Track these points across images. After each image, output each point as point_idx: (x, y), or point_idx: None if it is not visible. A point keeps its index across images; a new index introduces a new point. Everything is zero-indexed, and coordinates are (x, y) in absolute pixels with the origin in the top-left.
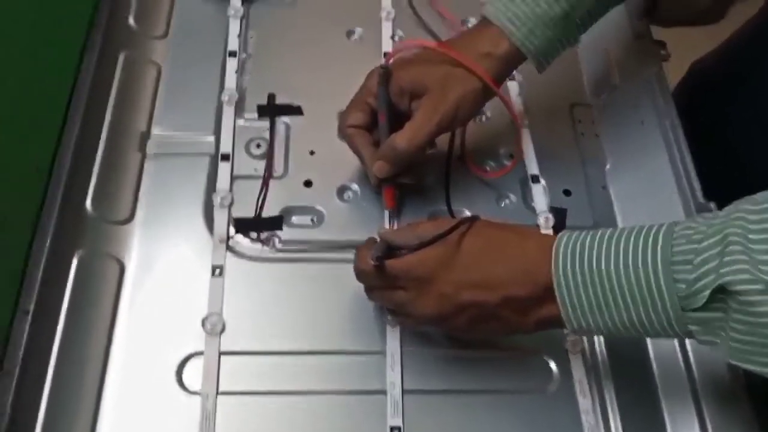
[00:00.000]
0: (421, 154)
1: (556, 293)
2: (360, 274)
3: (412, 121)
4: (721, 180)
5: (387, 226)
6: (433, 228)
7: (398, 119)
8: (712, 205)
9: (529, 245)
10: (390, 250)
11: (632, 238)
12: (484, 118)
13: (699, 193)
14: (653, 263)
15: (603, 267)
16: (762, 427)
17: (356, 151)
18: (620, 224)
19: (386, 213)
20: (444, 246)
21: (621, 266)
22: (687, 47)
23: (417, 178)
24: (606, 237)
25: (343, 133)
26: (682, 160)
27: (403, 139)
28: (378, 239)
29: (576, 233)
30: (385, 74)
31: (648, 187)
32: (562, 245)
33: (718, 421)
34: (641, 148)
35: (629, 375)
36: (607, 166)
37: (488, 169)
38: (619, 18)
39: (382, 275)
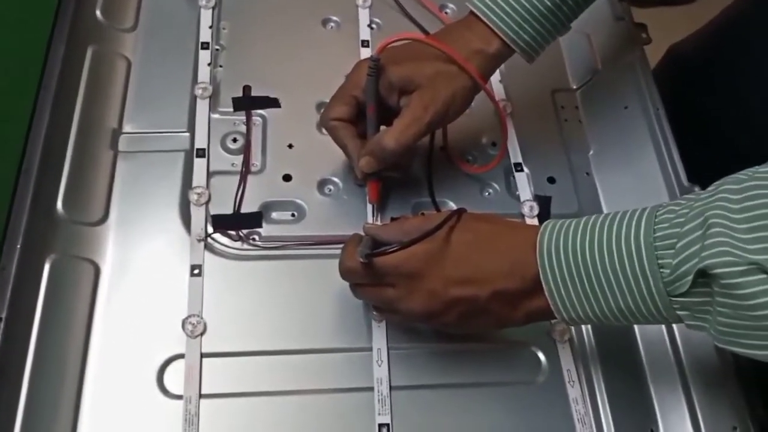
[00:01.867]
0: (408, 152)
1: (543, 285)
2: (346, 272)
3: (401, 118)
4: (702, 162)
5: (371, 219)
6: (419, 223)
7: (385, 113)
8: (697, 188)
9: (517, 238)
10: (377, 246)
11: (615, 225)
12: None
13: (683, 177)
14: (637, 249)
15: (588, 256)
16: (751, 411)
17: (341, 145)
18: (605, 210)
19: (369, 207)
20: (432, 241)
21: (606, 254)
22: (664, 29)
23: (402, 172)
24: (589, 225)
25: (326, 126)
26: (666, 143)
27: (391, 138)
28: (364, 235)
29: (559, 222)
30: (376, 66)
31: (632, 171)
32: (546, 236)
33: (707, 406)
34: (625, 133)
35: (617, 362)
36: (591, 152)
37: (470, 159)
38: (600, 1)
39: (369, 272)
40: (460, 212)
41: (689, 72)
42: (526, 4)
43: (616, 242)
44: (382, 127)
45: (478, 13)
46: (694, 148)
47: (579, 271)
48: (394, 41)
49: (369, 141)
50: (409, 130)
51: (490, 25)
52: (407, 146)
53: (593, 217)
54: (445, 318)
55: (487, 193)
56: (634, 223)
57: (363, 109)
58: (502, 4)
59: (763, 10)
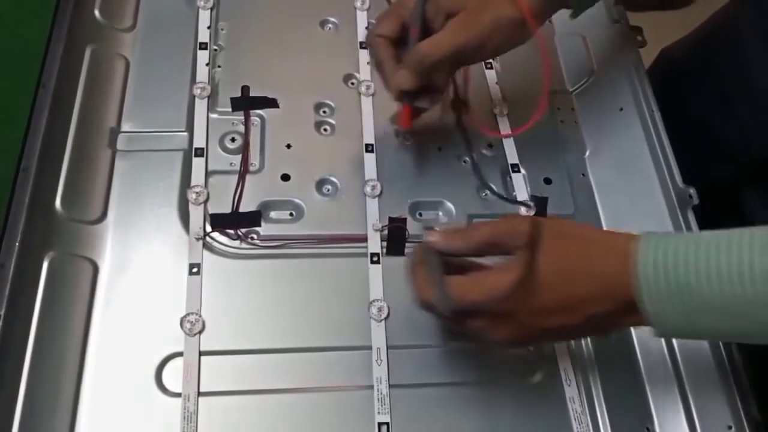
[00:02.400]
0: (442, 72)
1: (647, 307)
2: (425, 306)
3: (440, 31)
4: (690, 162)
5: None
6: (488, 230)
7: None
8: (692, 190)
9: (608, 261)
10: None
11: (722, 248)
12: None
13: (678, 179)
14: (750, 275)
15: (693, 281)
16: (746, 410)
17: (379, 62)
18: (601, 211)
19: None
20: (517, 269)
21: (715, 280)
22: (657, 33)
23: (432, 102)
24: (691, 249)
25: (370, 42)
26: (661, 145)
27: (429, 44)
28: (427, 249)
29: (654, 243)
30: None
31: (628, 173)
32: (641, 262)
33: (702, 405)
34: (620, 135)
35: (613, 362)
36: (587, 153)
37: (465, 161)
38: (596, 5)
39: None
40: (535, 224)
41: (679, 75)
42: None
43: (727, 267)
44: None
45: None
46: (682, 149)
47: (684, 298)
48: None
49: (405, 55)
50: (447, 39)
51: None
52: (443, 56)
53: (691, 238)
54: (537, 343)
55: (483, 194)
56: (745, 246)
57: (408, 31)
58: None
59: (751, 14)
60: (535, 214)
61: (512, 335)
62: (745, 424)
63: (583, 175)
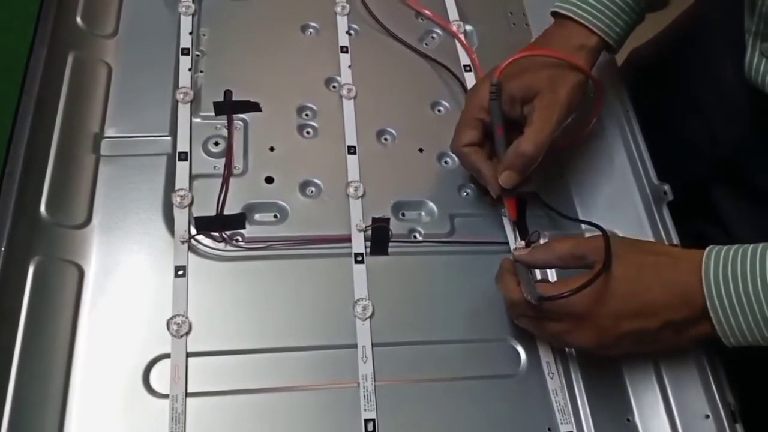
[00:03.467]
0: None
1: (711, 314)
2: (511, 306)
3: (531, 125)
4: (661, 159)
5: (511, 238)
6: (572, 248)
7: (510, 128)
8: (666, 187)
9: (681, 268)
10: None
11: None
12: (441, 109)
13: (653, 176)
14: None
15: (759, 288)
16: (722, 400)
17: (474, 169)
18: (579, 210)
19: (507, 224)
20: (598, 276)
21: None
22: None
23: (535, 186)
24: (758, 255)
25: (458, 152)
26: (636, 144)
27: (529, 144)
28: (514, 261)
29: (723, 251)
30: (498, 89)
31: (604, 171)
32: (712, 266)
33: (680, 396)
34: (597, 134)
35: (593, 355)
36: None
37: (448, 162)
38: None
39: (536, 309)
40: (613, 239)
41: (648, 74)
42: (617, 1)
43: None
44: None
45: (573, 16)
46: (654, 147)
47: (749, 301)
48: (509, 63)
49: (504, 157)
50: (543, 131)
51: (586, 24)
52: (544, 148)
53: (759, 246)
54: (614, 349)
55: (465, 194)
56: None
57: (489, 130)
58: (594, 2)
59: (714, 15)
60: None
61: (591, 340)
62: (722, 412)
63: (560, 175)
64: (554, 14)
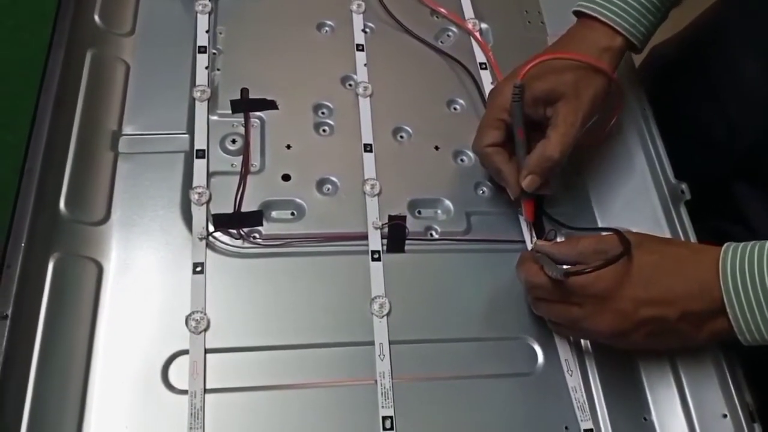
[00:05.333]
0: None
1: (727, 309)
2: (533, 287)
3: (556, 128)
4: (680, 157)
5: (528, 237)
6: (594, 243)
7: (531, 129)
8: (684, 186)
9: (701, 260)
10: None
11: None
12: (458, 107)
13: (671, 175)
14: None
15: None
16: (740, 399)
17: (495, 169)
18: (596, 209)
19: (524, 224)
20: (620, 262)
21: None
22: None
23: (554, 189)
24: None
25: (480, 153)
26: (654, 143)
27: (555, 148)
28: (536, 252)
29: (741, 246)
30: (521, 91)
31: (621, 170)
32: (729, 260)
33: (698, 395)
34: (614, 133)
35: (610, 352)
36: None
37: (464, 160)
38: None
39: (557, 290)
40: (624, 239)
41: (669, 72)
42: (643, 0)
43: None
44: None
45: (598, 16)
46: (673, 145)
47: (766, 296)
48: (533, 65)
49: (528, 160)
50: (568, 136)
51: (611, 24)
52: (568, 152)
53: None
54: (632, 337)
55: (481, 192)
56: None
57: (511, 131)
58: (619, 2)
59: (734, 14)
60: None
61: (609, 325)
62: (740, 411)
63: (578, 174)
64: (577, 13)
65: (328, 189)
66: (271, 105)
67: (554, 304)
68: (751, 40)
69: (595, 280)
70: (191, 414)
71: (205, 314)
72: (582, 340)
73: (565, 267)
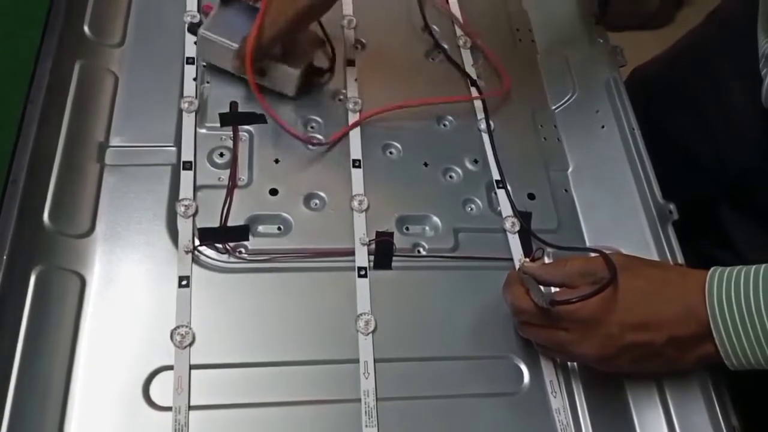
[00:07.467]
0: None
1: (714, 333)
2: (519, 312)
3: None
4: (666, 177)
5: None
6: (581, 265)
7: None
8: (672, 206)
9: (688, 284)
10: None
11: None
12: (447, 124)
13: (658, 195)
14: None
15: (762, 307)
16: (726, 422)
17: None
18: (584, 226)
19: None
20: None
21: None
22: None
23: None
24: (761, 276)
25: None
26: (641, 162)
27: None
28: (523, 274)
29: (727, 271)
30: None
31: (609, 188)
32: (715, 285)
33: (684, 417)
34: (602, 152)
35: (597, 374)
36: (570, 170)
37: (452, 176)
38: (578, 24)
39: (543, 316)
40: (610, 263)
41: (650, 93)
42: None
43: None
44: None
45: None
46: (659, 166)
47: (752, 321)
48: None
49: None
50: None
51: None
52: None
53: (762, 267)
54: (618, 362)
55: (469, 209)
56: None
57: None
58: None
59: (723, 35)
60: (519, 230)
61: (595, 350)
62: None
63: (565, 190)
64: None
65: (316, 204)
66: (260, 119)
67: (540, 328)
68: (738, 71)
69: (581, 306)
70: (175, 430)
71: (191, 328)
72: (569, 363)
73: (552, 289)
